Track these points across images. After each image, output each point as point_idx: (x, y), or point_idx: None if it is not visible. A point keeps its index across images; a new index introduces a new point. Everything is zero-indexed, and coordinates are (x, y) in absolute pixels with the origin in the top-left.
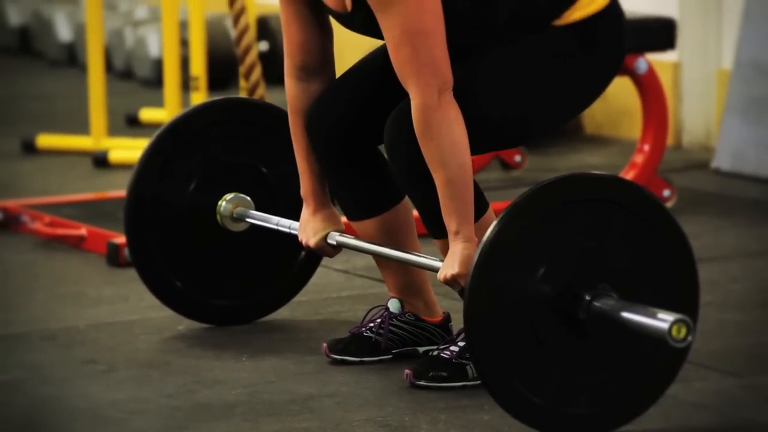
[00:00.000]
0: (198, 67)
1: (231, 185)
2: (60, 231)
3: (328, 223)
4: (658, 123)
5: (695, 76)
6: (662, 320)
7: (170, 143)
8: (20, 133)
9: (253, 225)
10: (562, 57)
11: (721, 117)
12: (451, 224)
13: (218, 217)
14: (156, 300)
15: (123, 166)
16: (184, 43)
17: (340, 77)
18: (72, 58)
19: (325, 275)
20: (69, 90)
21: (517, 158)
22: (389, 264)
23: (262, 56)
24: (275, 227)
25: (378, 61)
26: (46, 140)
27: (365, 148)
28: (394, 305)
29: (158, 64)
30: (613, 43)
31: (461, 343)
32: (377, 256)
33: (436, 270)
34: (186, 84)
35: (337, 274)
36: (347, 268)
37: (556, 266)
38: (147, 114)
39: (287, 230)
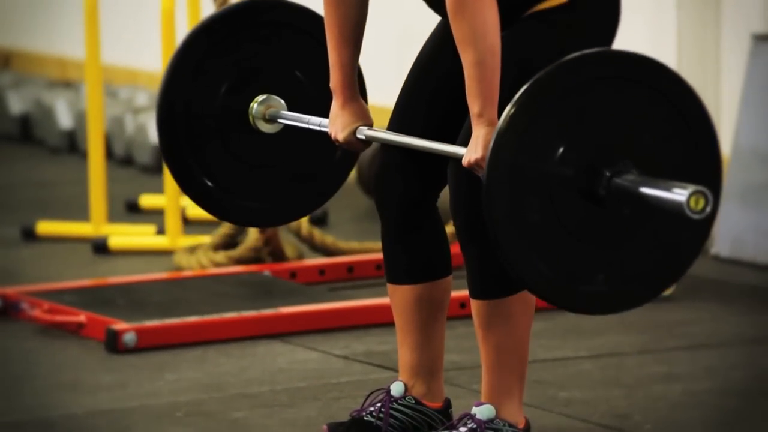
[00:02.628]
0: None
1: (264, 87)
2: (59, 318)
3: (357, 117)
4: None
5: None
6: (679, 192)
7: (203, 43)
8: (20, 220)
9: (285, 126)
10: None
11: (719, 203)
12: (474, 106)
13: (250, 119)
14: (154, 387)
15: (123, 253)
16: None
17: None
18: (72, 145)
19: (324, 360)
20: (69, 177)
21: None
22: (411, 336)
23: None
24: (306, 125)
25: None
26: (45, 227)
27: (430, 210)
28: (396, 388)
29: (158, 151)
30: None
31: (462, 429)
32: (406, 146)
33: (460, 156)
34: None
35: (336, 360)
36: (347, 354)
37: (577, 143)
38: (147, 200)
39: (318, 128)
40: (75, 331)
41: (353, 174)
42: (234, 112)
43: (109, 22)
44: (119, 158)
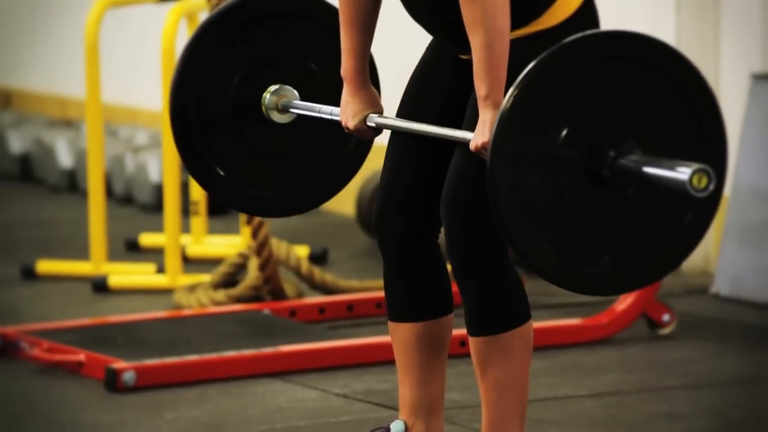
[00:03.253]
0: (198, 191)
1: (276, 78)
2: (58, 357)
3: (367, 105)
4: None
5: None
6: (682, 171)
7: (215, 34)
8: (20, 259)
9: (298, 116)
10: None
11: (719, 242)
12: (481, 88)
13: (263, 109)
14: (153, 426)
15: (122, 291)
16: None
17: (389, 179)
18: (73, 184)
19: (324, 399)
20: (69, 216)
21: None
22: (411, 375)
23: None
24: (318, 114)
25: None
26: (45, 266)
27: (431, 247)
28: (396, 427)
29: (158, 190)
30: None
31: None
32: (415, 133)
33: (467, 141)
34: (186, 209)
35: (336, 398)
36: (346, 393)
37: (580, 124)
38: (147, 239)
39: (329, 116)
40: (74, 370)
41: (353, 212)
42: (247, 102)
43: (109, 62)
44: (119, 197)
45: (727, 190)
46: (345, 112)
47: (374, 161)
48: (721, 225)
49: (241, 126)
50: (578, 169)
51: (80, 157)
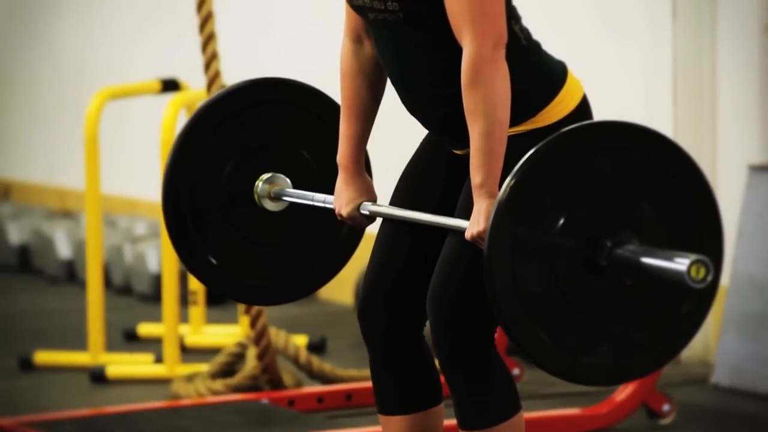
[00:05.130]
0: (197, 281)
1: (268, 166)
2: None
3: (361, 193)
4: None
5: None
6: (680, 262)
7: (207, 123)
8: (18, 350)
9: (291, 204)
10: None
11: (718, 332)
12: (476, 177)
13: (256, 197)
14: None
15: (121, 382)
16: None
17: (376, 269)
18: (71, 274)
19: None
20: (67, 306)
21: (516, 371)
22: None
23: None
24: (311, 203)
25: (405, 240)
26: (43, 357)
27: (417, 338)
28: None
29: (157, 280)
30: None
31: None
32: (406, 220)
33: (462, 229)
34: (185, 298)
35: None
36: None
37: (578, 214)
38: (145, 329)
39: (322, 204)
40: None
41: (351, 301)
42: (239, 190)
43: (109, 152)
44: (118, 287)
45: (726, 281)
46: (339, 200)
47: (370, 250)
48: (720, 315)
49: (233, 214)
50: (575, 259)
51: (79, 247)
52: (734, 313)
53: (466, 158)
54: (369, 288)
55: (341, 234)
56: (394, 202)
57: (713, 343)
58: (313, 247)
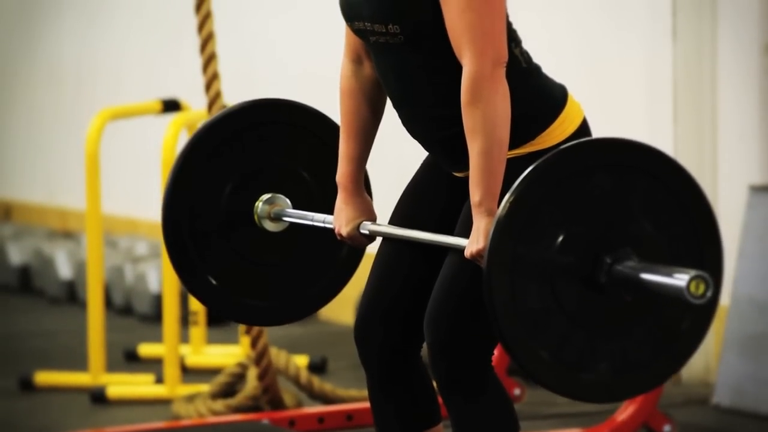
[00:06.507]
0: (197, 302)
1: (268, 186)
2: None
3: (361, 212)
4: None
5: None
6: (680, 278)
7: (207, 145)
8: (18, 370)
9: (290, 224)
10: None
11: (719, 352)
12: (475, 195)
13: (256, 218)
14: None
15: (121, 402)
16: None
17: (374, 290)
18: (72, 295)
19: None
20: (68, 326)
21: (517, 391)
22: None
23: None
24: (311, 223)
25: (404, 260)
26: (43, 377)
27: (414, 359)
28: None
29: (158, 300)
30: None
31: None
32: (405, 239)
33: (461, 248)
34: (185, 319)
35: None
36: None
37: (577, 230)
38: (146, 349)
39: (322, 224)
40: None
41: (352, 321)
42: (239, 211)
43: (110, 173)
44: (118, 307)
45: (727, 301)
46: (338, 219)
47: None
48: (721, 335)
49: (233, 235)
50: (575, 276)
51: (80, 268)
52: (735, 333)
53: (466, 181)
54: (366, 308)
55: (341, 254)
56: (393, 222)
57: (714, 363)
58: (313, 268)
